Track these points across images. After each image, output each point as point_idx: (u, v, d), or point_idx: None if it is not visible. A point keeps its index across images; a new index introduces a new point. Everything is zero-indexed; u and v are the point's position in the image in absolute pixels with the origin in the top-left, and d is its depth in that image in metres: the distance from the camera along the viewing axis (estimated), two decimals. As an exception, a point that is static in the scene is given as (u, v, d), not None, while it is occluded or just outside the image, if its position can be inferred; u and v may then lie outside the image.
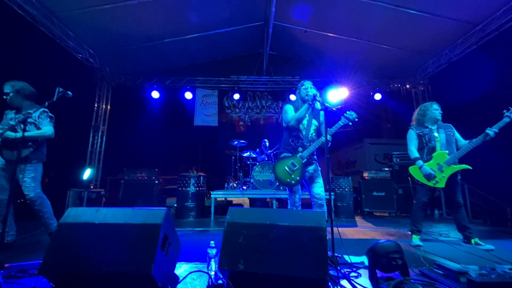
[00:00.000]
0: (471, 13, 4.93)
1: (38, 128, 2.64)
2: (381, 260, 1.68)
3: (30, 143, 2.61)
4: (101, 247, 1.54)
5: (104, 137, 7.25)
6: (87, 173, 6.35)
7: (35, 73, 5.43)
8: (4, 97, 2.64)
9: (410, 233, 3.06)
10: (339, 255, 2.16)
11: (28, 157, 2.60)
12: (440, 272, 1.82)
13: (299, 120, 2.57)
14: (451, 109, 6.24)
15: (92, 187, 6.30)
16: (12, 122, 2.62)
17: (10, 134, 2.51)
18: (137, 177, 5.40)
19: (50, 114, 2.80)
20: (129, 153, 8.49)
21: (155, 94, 7.51)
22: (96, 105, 7.11)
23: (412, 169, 3.17)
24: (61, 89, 2.26)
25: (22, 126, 2.49)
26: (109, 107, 7.41)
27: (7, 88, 2.64)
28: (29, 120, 2.61)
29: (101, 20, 5.24)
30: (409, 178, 5.58)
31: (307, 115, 2.62)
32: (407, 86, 7.69)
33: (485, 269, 1.77)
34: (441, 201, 5.44)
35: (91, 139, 6.95)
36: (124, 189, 5.29)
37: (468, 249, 2.68)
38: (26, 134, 2.48)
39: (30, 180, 2.59)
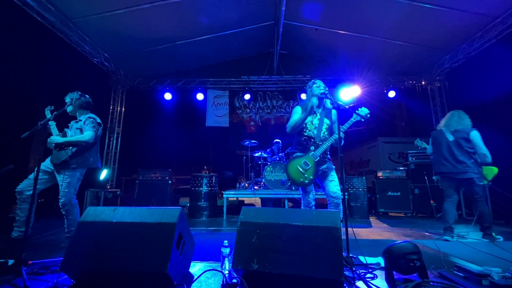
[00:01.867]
0: (490, 5, 4.72)
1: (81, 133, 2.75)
2: (398, 261, 1.63)
3: (70, 148, 2.68)
4: (118, 245, 1.58)
5: (119, 139, 7.44)
6: (103, 174, 6.53)
7: (53, 77, 5.67)
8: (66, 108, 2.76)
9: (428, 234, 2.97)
10: (354, 256, 2.12)
11: (67, 161, 2.65)
12: (461, 274, 1.76)
13: (295, 128, 2.58)
14: (469, 106, 6.01)
15: (108, 187, 6.48)
16: (67, 130, 2.81)
17: (56, 139, 2.63)
18: (151, 177, 5.51)
19: (98, 121, 2.89)
20: (143, 154, 8.69)
21: (168, 96, 7.64)
22: (111, 108, 7.31)
23: (488, 170, 3.23)
24: (79, 93, 2.35)
25: (70, 133, 2.66)
26: (123, 109, 7.60)
27: (66, 99, 2.80)
28: (76, 126, 2.81)
29: (115, 24, 5.38)
30: (426, 178, 5.45)
31: (318, 114, 2.60)
32: (423, 82, 7.47)
33: (508, 272, 1.69)
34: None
35: (106, 141, 7.15)
36: (139, 189, 5.41)
37: (489, 251, 2.57)
38: (65, 139, 2.64)
39: (65, 185, 2.65)
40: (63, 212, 2.69)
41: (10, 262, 1.85)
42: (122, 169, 7.45)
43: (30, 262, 1.94)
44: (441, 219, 3.41)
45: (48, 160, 2.74)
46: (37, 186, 2.64)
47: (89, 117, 2.84)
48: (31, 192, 2.61)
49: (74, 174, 2.72)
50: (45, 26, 4.78)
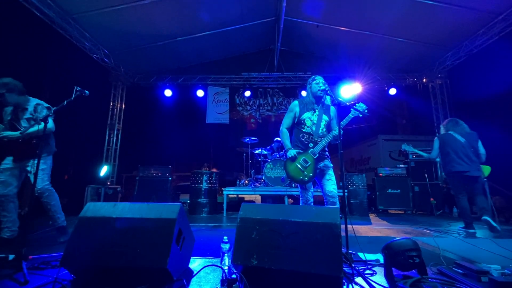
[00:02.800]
0: (492, 2, 4.68)
1: (37, 123, 2.49)
2: (398, 258, 1.64)
3: (34, 140, 2.59)
4: (118, 240, 1.58)
5: (119, 135, 7.44)
6: (103, 170, 6.55)
7: (53, 73, 5.65)
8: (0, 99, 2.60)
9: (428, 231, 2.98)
10: (354, 252, 2.12)
11: (34, 151, 2.58)
12: (460, 271, 1.76)
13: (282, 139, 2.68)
14: (471, 103, 5.99)
15: (108, 183, 6.50)
16: (7, 119, 2.63)
17: (11, 134, 2.53)
18: (151, 174, 5.52)
19: (46, 105, 2.74)
20: (144, 151, 8.70)
21: (168, 93, 7.62)
22: (111, 104, 7.30)
23: (485, 168, 3.76)
24: (78, 88, 2.32)
25: (22, 123, 2.57)
26: (124, 105, 7.60)
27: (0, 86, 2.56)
28: (26, 115, 2.66)
29: (116, 20, 5.35)
30: (426, 175, 5.46)
31: (317, 111, 2.58)
32: (424, 80, 7.43)
33: (508, 269, 1.69)
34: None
35: (107, 137, 7.15)
36: (139, 186, 5.42)
37: (488, 248, 2.57)
38: (26, 131, 2.52)
39: (40, 173, 2.59)
40: (44, 200, 2.64)
41: (11, 257, 1.86)
42: (122, 166, 7.46)
43: (30, 257, 1.95)
44: (462, 216, 3.65)
45: (9, 159, 2.62)
46: (15, 184, 2.63)
47: (37, 104, 2.70)
48: (14, 191, 2.63)
49: (46, 162, 2.70)
50: (45, 22, 4.76)
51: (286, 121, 2.66)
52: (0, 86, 2.55)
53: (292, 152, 2.51)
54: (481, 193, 3.56)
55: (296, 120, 2.62)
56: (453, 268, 1.82)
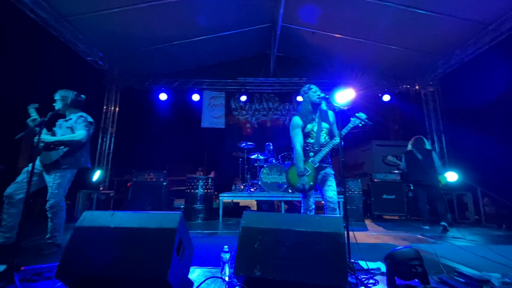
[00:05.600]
0: (482, 12, 4.83)
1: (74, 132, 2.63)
2: (400, 267, 1.64)
3: (61, 147, 2.58)
4: (117, 251, 1.53)
5: (112, 139, 7.31)
6: (96, 175, 6.40)
7: (46, 75, 5.53)
8: (54, 104, 2.69)
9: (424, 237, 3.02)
10: (355, 261, 2.11)
11: (58, 162, 2.55)
12: (461, 280, 1.77)
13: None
14: (463, 111, 6.14)
15: (101, 188, 6.35)
16: (56, 128, 2.70)
17: (47, 138, 2.55)
18: (145, 179, 5.42)
19: (90, 120, 2.78)
20: (137, 154, 8.56)
21: (163, 96, 7.55)
22: (105, 107, 7.17)
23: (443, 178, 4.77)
24: (75, 93, 2.28)
25: (60, 132, 2.56)
26: (117, 109, 7.47)
27: (56, 96, 2.70)
28: (67, 124, 2.70)
29: (111, 23, 5.29)
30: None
31: (316, 120, 2.58)
32: (416, 87, 7.58)
33: (508, 277, 1.71)
34: (453, 204, 5.33)
35: (99, 141, 7.01)
36: (133, 191, 5.30)
37: (485, 255, 2.60)
38: (56, 138, 2.54)
39: (56, 186, 2.54)
40: (49, 215, 2.56)
41: (2, 268, 1.78)
42: (114, 170, 7.31)
43: (22, 267, 1.87)
44: (420, 216, 4.66)
45: (37, 161, 2.60)
46: (26, 190, 2.56)
47: (80, 116, 2.74)
48: (21, 195, 2.51)
49: (65, 175, 2.61)
50: (38, 24, 4.66)
51: (298, 138, 2.54)
52: (58, 95, 2.69)
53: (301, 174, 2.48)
54: (439, 199, 4.28)
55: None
56: (454, 277, 1.83)
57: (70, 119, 2.74)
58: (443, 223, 4.05)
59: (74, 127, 2.68)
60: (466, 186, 5.53)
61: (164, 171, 5.56)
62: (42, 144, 2.54)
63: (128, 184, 5.55)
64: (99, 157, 6.95)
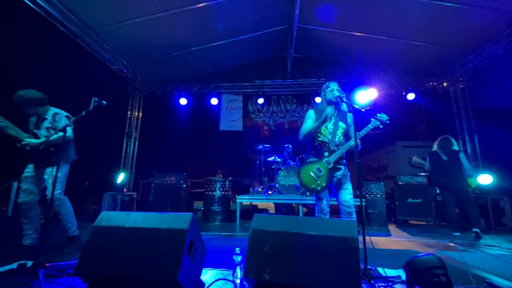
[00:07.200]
0: (518, 2, 4.45)
1: (56, 132, 2.64)
2: (421, 275, 1.52)
3: (52, 148, 2.68)
4: (130, 250, 1.58)
5: (136, 143, 7.64)
6: (120, 177, 6.72)
7: (75, 84, 5.92)
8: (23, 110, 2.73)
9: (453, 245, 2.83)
10: (373, 268, 2.01)
11: (53, 159, 2.68)
12: (492, 292, 1.61)
13: (307, 136, 2.52)
14: (496, 109, 5.66)
15: (125, 190, 6.64)
16: (32, 128, 2.77)
17: (33, 141, 2.64)
18: (166, 181, 5.59)
19: (66, 114, 2.83)
20: (159, 158, 8.89)
21: (183, 101, 7.78)
22: (129, 113, 7.53)
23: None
24: (96, 99, 2.39)
25: (41, 132, 2.67)
26: (141, 114, 7.81)
27: (17, 99, 2.66)
28: (46, 125, 2.76)
29: (134, 33, 5.55)
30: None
31: (332, 118, 2.51)
32: (444, 84, 7.14)
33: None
34: (488, 210, 4.91)
35: (124, 145, 7.35)
36: (155, 193, 5.50)
37: (524, 266, 2.36)
38: (41, 140, 2.63)
39: (52, 181, 2.64)
40: (56, 210, 2.66)
41: (29, 263, 1.90)
42: (139, 173, 7.63)
43: (47, 264, 1.99)
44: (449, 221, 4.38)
45: (30, 167, 2.72)
46: (37, 191, 2.69)
47: (56, 113, 2.78)
48: (36, 198, 2.69)
49: (61, 170, 2.70)
50: (67, 36, 5.01)
51: (308, 122, 2.57)
52: (17, 99, 2.65)
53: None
54: (469, 204, 3.99)
55: None
56: (484, 288, 1.67)
57: (46, 118, 2.77)
58: (475, 229, 3.74)
59: (55, 126, 2.73)
60: (502, 190, 5.07)
61: (184, 174, 5.70)
62: (28, 148, 2.62)
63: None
64: (124, 160, 7.29)
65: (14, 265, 1.96)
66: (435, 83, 7.21)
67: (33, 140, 2.66)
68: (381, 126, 2.40)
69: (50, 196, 2.58)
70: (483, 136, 6.41)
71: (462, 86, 6.87)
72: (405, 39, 5.89)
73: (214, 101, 7.81)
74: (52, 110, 2.84)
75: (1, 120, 2.56)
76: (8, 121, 2.62)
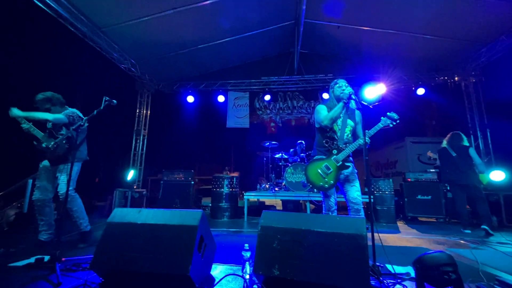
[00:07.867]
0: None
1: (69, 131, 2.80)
2: (431, 273, 1.52)
3: (64, 141, 2.78)
4: (143, 246, 1.63)
5: (145, 141, 7.75)
6: (130, 174, 6.84)
7: (85, 83, 6.04)
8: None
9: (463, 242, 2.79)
10: (381, 265, 2.01)
11: (66, 157, 2.78)
12: (503, 289, 1.60)
13: (334, 120, 2.40)
14: (508, 102, 5.50)
15: (135, 187, 6.77)
16: (49, 127, 2.92)
17: (15, 111, 2.72)
18: (174, 178, 5.67)
19: (77, 114, 2.93)
20: (168, 155, 9.02)
21: (190, 99, 7.83)
22: (138, 111, 7.63)
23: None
24: (107, 98, 2.44)
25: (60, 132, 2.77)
26: (149, 112, 7.91)
27: (37, 98, 2.84)
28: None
29: (141, 31, 5.61)
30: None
31: (341, 115, 2.49)
32: (456, 78, 6.97)
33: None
34: (501, 206, 4.81)
35: (133, 143, 7.48)
36: (164, 189, 5.58)
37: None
38: (26, 112, 2.70)
39: (64, 177, 2.72)
40: (67, 206, 2.73)
41: (46, 258, 1.98)
42: (148, 170, 7.76)
43: (63, 259, 2.06)
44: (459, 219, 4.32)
45: (45, 162, 2.84)
46: (51, 189, 2.80)
47: (73, 113, 2.90)
48: (50, 196, 2.79)
49: (73, 168, 2.74)
50: (77, 36, 5.10)
51: (322, 113, 2.50)
52: (46, 101, 2.83)
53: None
54: (479, 201, 3.93)
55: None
56: (495, 286, 1.66)
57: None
58: (484, 226, 3.72)
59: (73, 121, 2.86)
60: (515, 186, 4.96)
61: (192, 171, 5.76)
62: (44, 146, 2.75)
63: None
64: (133, 158, 7.42)
65: (32, 260, 2.05)
66: (446, 78, 7.05)
67: (16, 110, 2.71)
68: (391, 125, 2.36)
69: (60, 193, 2.71)
70: (496, 131, 6.25)
71: (474, 80, 6.70)
72: (415, 32, 5.77)
73: (221, 98, 7.83)
74: (70, 110, 2.96)
75: (25, 123, 2.74)
76: (28, 122, 2.77)
